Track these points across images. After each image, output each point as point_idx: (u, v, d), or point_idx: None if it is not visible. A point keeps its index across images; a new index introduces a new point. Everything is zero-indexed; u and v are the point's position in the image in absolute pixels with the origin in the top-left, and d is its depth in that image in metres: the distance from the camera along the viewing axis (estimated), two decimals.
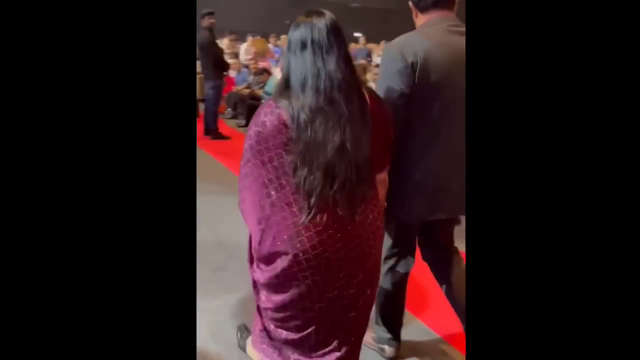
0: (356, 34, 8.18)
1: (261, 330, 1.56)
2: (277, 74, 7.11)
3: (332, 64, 1.24)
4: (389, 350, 1.95)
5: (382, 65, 1.54)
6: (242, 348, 1.92)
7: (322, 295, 1.36)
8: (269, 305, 1.44)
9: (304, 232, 1.28)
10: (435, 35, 1.47)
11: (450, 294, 1.82)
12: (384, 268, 1.80)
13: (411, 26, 1.61)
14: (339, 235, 1.30)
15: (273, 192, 1.29)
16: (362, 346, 1.61)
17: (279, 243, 1.31)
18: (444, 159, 1.57)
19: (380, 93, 1.47)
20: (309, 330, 1.42)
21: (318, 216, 1.27)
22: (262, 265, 1.40)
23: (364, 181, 1.30)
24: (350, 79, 1.27)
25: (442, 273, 1.82)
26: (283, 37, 9.98)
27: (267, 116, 1.28)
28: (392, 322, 1.91)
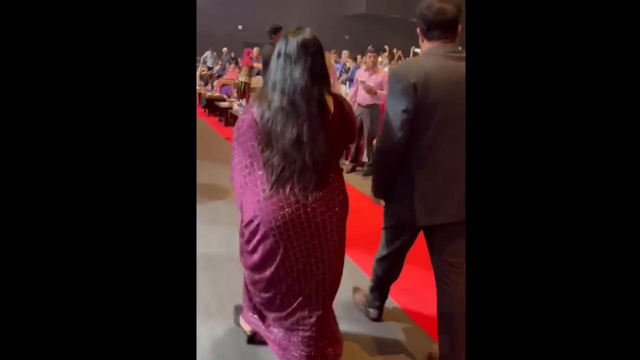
0: (416, 49, 8.06)
1: (248, 305, 1.93)
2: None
3: (297, 73, 1.53)
4: (373, 313, 2.35)
5: (389, 85, 1.76)
6: (237, 323, 2.22)
7: (292, 267, 1.65)
8: (250, 273, 1.74)
9: (269, 205, 1.58)
10: (435, 61, 1.66)
11: (440, 308, 1.92)
12: (381, 254, 2.12)
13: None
14: (298, 213, 1.58)
15: (248, 174, 1.62)
16: (348, 308, 2.35)
17: (251, 212, 1.62)
18: (443, 168, 1.73)
19: (389, 109, 1.71)
20: (287, 298, 1.72)
21: (280, 191, 1.56)
22: (243, 231, 1.70)
23: (320, 172, 1.58)
24: (312, 86, 1.53)
25: (440, 287, 1.92)
26: (344, 52, 9.84)
27: (245, 114, 1.61)
28: (382, 294, 2.30)
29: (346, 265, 1.82)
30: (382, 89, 4.89)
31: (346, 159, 5.50)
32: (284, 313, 1.76)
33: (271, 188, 1.57)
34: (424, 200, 1.76)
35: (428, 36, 1.73)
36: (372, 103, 4.98)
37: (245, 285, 1.89)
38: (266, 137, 1.55)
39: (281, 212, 1.57)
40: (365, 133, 5.10)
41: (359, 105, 5.02)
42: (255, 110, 1.56)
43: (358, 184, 4.65)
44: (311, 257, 1.65)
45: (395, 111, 1.68)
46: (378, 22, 17.04)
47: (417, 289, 2.65)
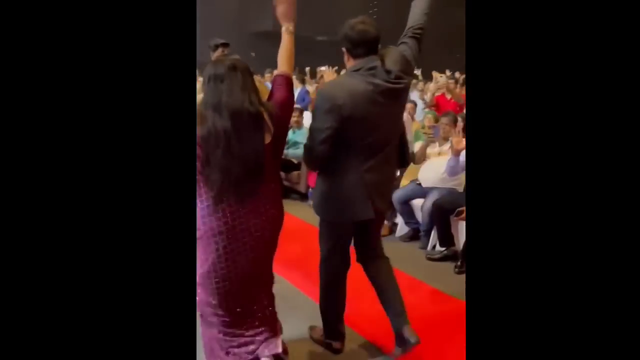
0: (321, 68, 8.12)
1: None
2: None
3: (227, 91, 1.68)
4: (335, 344, 2.34)
5: (315, 103, 1.99)
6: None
7: (233, 268, 1.77)
8: (200, 280, 1.80)
9: (213, 218, 1.72)
10: (358, 83, 1.94)
11: (381, 293, 2.27)
12: (323, 268, 2.23)
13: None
14: (235, 219, 1.73)
15: (202, 189, 1.72)
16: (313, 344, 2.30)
17: (199, 224, 1.73)
18: (368, 172, 2.04)
19: (314, 125, 1.96)
20: (233, 304, 1.82)
21: (219, 205, 1.70)
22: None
23: (253, 180, 1.73)
24: (243, 103, 1.68)
25: (373, 272, 2.29)
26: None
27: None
28: (335, 319, 2.32)
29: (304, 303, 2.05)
30: None
31: None
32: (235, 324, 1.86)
33: (214, 202, 1.70)
34: (355, 202, 2.05)
35: (354, 54, 1.98)
36: None
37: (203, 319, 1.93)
38: (204, 155, 1.67)
39: (222, 221, 1.72)
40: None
41: None
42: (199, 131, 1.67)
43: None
44: (248, 262, 1.80)
45: (320, 127, 1.93)
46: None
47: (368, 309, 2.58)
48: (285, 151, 4.51)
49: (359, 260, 2.33)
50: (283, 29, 1.88)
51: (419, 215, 3.82)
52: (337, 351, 2.34)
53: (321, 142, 1.93)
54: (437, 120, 4.87)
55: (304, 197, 5.07)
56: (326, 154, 1.95)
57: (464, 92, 6.88)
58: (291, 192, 5.16)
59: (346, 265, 2.26)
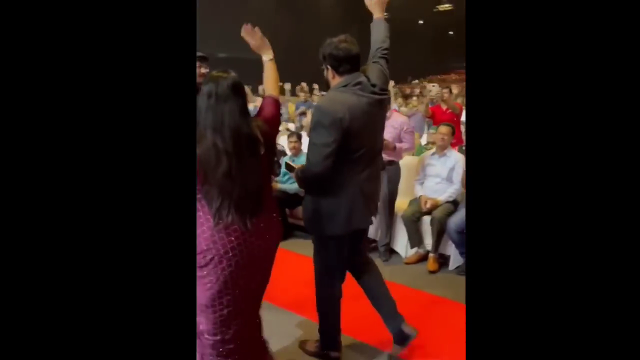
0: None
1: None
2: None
3: (228, 112, 1.68)
4: (334, 354, 2.45)
5: (314, 117, 2.04)
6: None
7: (236, 286, 1.76)
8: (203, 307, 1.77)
9: (222, 235, 1.71)
10: (351, 94, 2.06)
11: (374, 298, 2.41)
12: (324, 283, 2.32)
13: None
14: (238, 242, 1.73)
15: (201, 207, 1.72)
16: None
17: (203, 243, 1.71)
18: (365, 182, 2.16)
19: (316, 140, 2.01)
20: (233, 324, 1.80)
21: (221, 223, 1.69)
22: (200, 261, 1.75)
23: (253, 199, 1.76)
24: (242, 124, 1.70)
25: (365, 279, 2.41)
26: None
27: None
28: (335, 330, 2.43)
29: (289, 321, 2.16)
30: (401, 141, 3.66)
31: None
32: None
33: (214, 219, 1.70)
34: (352, 214, 2.15)
35: (340, 71, 2.11)
36: (388, 160, 3.64)
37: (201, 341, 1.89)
38: (202, 173, 1.66)
39: (228, 239, 1.71)
40: (383, 197, 3.68)
41: None
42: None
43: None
44: (252, 280, 1.82)
45: (326, 142, 1.99)
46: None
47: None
48: (282, 185, 4.45)
49: (354, 268, 2.41)
50: (263, 58, 2.03)
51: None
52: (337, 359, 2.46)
53: (327, 157, 1.99)
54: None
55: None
56: (330, 168, 2.00)
57: (458, 101, 6.85)
58: (296, 229, 4.57)
59: (345, 276, 2.36)
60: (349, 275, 2.43)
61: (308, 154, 2.05)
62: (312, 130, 2.04)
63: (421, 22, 26.69)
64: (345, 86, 2.07)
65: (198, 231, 1.72)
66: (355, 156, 2.09)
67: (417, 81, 23.13)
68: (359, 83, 2.09)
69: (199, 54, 3.39)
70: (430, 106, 6.50)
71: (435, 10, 25.49)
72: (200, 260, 1.76)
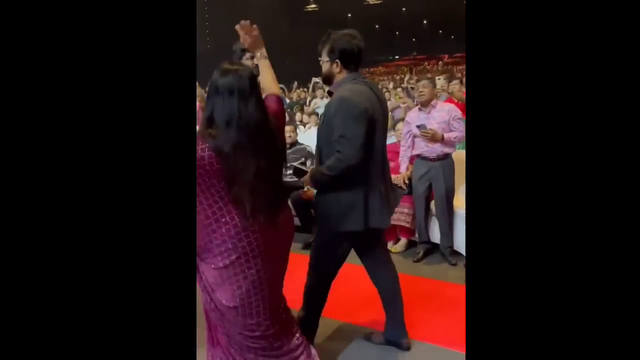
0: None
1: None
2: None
3: (250, 107, 1.58)
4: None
5: (341, 109, 1.97)
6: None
7: (263, 282, 1.71)
8: (223, 308, 1.72)
9: (249, 235, 1.64)
10: (367, 89, 2.06)
11: (388, 301, 2.34)
12: (321, 279, 2.23)
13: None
14: (269, 239, 1.68)
15: (218, 209, 1.63)
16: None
17: (229, 245, 1.64)
18: (380, 181, 2.11)
19: (347, 133, 1.94)
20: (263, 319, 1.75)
21: (254, 221, 1.62)
22: (219, 266, 1.68)
23: (279, 195, 1.75)
24: (263, 120, 1.63)
25: (383, 279, 2.35)
26: None
27: (203, 151, 1.57)
28: (316, 318, 2.33)
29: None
30: (450, 130, 3.29)
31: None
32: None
33: (248, 219, 1.61)
34: (371, 211, 2.07)
35: (349, 67, 2.09)
36: (443, 153, 3.31)
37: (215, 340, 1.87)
38: (229, 173, 1.57)
39: (254, 237, 1.64)
40: (440, 196, 3.33)
41: (424, 159, 3.35)
42: (211, 146, 1.56)
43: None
44: (275, 275, 1.78)
45: (356, 133, 1.94)
46: None
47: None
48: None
49: (368, 268, 2.35)
50: (257, 55, 1.98)
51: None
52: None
53: (360, 148, 1.94)
54: None
55: None
56: (362, 160, 1.97)
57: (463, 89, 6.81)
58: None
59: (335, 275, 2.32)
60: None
61: (339, 146, 1.95)
62: (341, 123, 1.96)
63: (350, 15, 27.05)
64: (354, 79, 2.07)
65: (220, 232, 1.64)
66: (373, 152, 2.06)
67: None
68: (364, 78, 2.11)
69: (240, 46, 2.95)
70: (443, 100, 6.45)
71: (365, 3, 25.96)
72: (223, 261, 1.69)
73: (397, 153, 3.68)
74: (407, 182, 3.61)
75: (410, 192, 3.55)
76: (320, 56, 2.17)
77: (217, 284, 1.72)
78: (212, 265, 1.70)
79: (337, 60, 2.09)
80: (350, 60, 2.09)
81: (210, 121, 1.61)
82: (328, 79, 2.17)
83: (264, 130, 1.64)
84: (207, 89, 1.92)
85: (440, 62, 31.75)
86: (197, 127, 1.85)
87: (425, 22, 28.00)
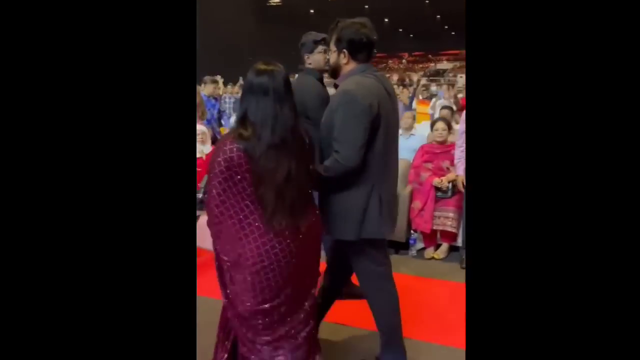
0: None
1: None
2: None
3: (286, 109, 1.57)
4: None
5: (343, 104, 1.83)
6: None
7: (281, 292, 1.65)
8: (247, 314, 1.66)
9: (274, 240, 1.59)
10: (376, 83, 1.91)
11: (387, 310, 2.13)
12: (382, 287, 2.06)
13: None
14: (293, 245, 1.63)
15: (250, 214, 1.59)
16: None
17: (256, 252, 1.59)
18: (386, 185, 1.95)
19: (349, 130, 1.80)
20: (282, 323, 1.70)
21: (276, 226, 1.57)
22: (246, 276, 1.63)
23: (305, 200, 1.69)
24: (295, 122, 1.61)
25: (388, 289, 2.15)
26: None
27: (227, 151, 1.54)
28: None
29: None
30: None
31: None
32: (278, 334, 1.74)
33: (269, 223, 1.58)
34: (388, 216, 1.95)
35: (358, 58, 1.94)
36: None
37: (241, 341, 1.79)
38: (258, 175, 1.55)
39: (282, 246, 1.60)
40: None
41: None
42: (241, 146, 1.54)
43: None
44: (302, 281, 1.72)
45: (358, 130, 1.79)
46: None
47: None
48: None
49: (330, 268, 2.24)
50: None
51: None
52: None
53: (360, 148, 1.80)
54: None
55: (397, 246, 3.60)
56: (361, 161, 1.82)
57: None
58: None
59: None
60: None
61: (337, 146, 1.80)
62: (341, 120, 1.81)
63: (312, 11, 26.97)
64: (363, 72, 1.92)
65: (251, 238, 1.59)
66: (375, 152, 1.87)
67: None
68: (376, 71, 1.97)
69: (321, 35, 2.71)
70: (461, 97, 6.43)
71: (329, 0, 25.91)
72: (249, 267, 1.62)
73: (435, 154, 3.69)
74: (448, 185, 3.46)
75: (451, 196, 3.49)
76: (328, 46, 2.04)
77: (244, 290, 1.65)
78: (241, 271, 1.63)
79: (345, 50, 1.94)
80: (359, 50, 1.93)
81: (242, 121, 1.58)
82: (335, 71, 2.02)
83: (298, 133, 1.62)
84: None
85: (403, 61, 32.22)
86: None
87: (386, 20, 28.26)
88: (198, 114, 5.46)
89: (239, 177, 1.55)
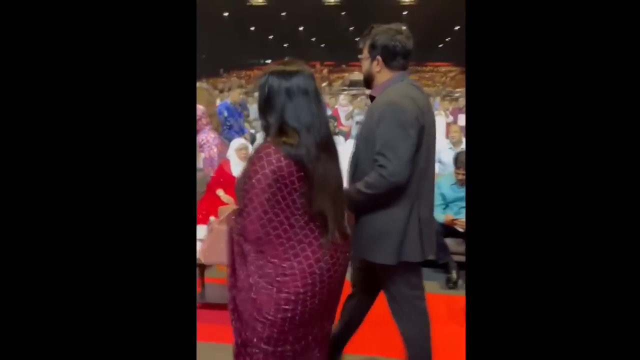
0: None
1: None
2: None
3: (322, 111, 1.46)
4: None
5: (389, 115, 1.71)
6: None
7: (319, 311, 1.51)
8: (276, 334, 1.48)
9: (324, 259, 1.44)
10: (417, 92, 1.80)
11: (353, 324, 2.12)
12: (421, 313, 1.93)
13: None
14: (337, 257, 1.49)
15: (310, 231, 1.44)
16: None
17: (307, 277, 1.43)
18: (426, 204, 1.82)
19: (398, 143, 1.67)
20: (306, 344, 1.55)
21: (333, 240, 1.45)
22: (284, 307, 1.45)
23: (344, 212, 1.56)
24: (328, 125, 1.49)
25: (369, 304, 2.14)
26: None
27: (272, 161, 1.38)
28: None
29: None
30: None
31: None
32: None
33: (328, 235, 1.44)
34: (428, 233, 1.82)
35: (393, 65, 1.82)
36: None
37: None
38: (310, 184, 1.39)
39: (330, 263, 1.47)
40: None
41: None
42: (292, 153, 1.38)
43: None
44: (332, 295, 1.57)
45: (406, 144, 1.68)
46: None
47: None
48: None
49: (357, 290, 2.10)
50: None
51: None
52: None
53: (407, 163, 1.67)
54: None
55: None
56: (408, 177, 1.69)
57: None
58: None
59: None
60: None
61: (383, 161, 1.66)
62: (386, 133, 1.68)
63: (226, 14, 26.57)
64: (403, 81, 1.82)
65: (303, 256, 1.43)
66: (418, 169, 1.74)
67: (227, 74, 23.45)
68: (413, 81, 1.87)
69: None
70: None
71: (248, 4, 25.60)
72: (302, 288, 1.45)
73: None
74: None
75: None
76: (361, 53, 1.89)
77: (280, 309, 1.46)
78: (284, 291, 1.44)
79: (379, 57, 1.82)
80: (394, 57, 1.81)
81: (282, 129, 1.41)
82: (368, 81, 1.89)
83: (331, 136, 1.50)
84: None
85: (314, 68, 32.83)
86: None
87: (301, 28, 28.53)
88: (212, 125, 5.14)
89: (288, 189, 1.39)
